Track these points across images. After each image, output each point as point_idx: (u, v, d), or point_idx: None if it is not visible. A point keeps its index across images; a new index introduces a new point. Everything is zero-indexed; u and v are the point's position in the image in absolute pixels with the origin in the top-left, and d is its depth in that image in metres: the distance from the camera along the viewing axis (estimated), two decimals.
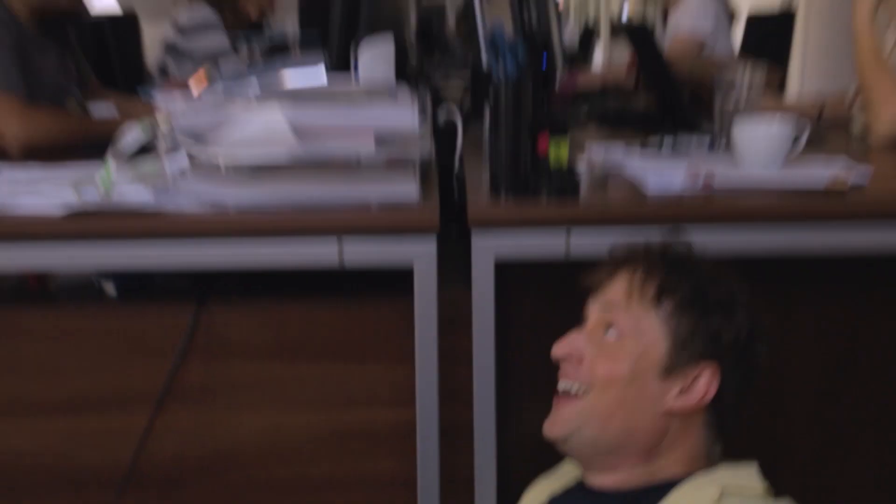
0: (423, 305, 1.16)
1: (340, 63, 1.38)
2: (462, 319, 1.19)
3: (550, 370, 1.12)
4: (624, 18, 6.98)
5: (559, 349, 0.97)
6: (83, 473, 1.25)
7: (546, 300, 1.28)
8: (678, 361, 0.92)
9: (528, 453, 1.24)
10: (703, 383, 0.92)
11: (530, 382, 1.27)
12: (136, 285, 1.34)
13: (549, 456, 1.23)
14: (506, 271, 1.19)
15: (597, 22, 6.93)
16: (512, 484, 1.25)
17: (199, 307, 1.21)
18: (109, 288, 1.33)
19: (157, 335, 1.23)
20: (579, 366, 0.95)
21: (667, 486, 0.92)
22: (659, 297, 0.93)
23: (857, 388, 1.33)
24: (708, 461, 0.95)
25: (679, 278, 0.95)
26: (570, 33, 3.99)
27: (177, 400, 1.24)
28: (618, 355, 0.94)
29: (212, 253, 1.15)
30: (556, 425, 0.97)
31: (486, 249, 1.15)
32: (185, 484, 1.27)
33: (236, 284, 1.35)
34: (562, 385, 0.96)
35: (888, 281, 1.30)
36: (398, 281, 1.17)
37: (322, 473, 1.26)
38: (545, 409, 1.13)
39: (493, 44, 1.16)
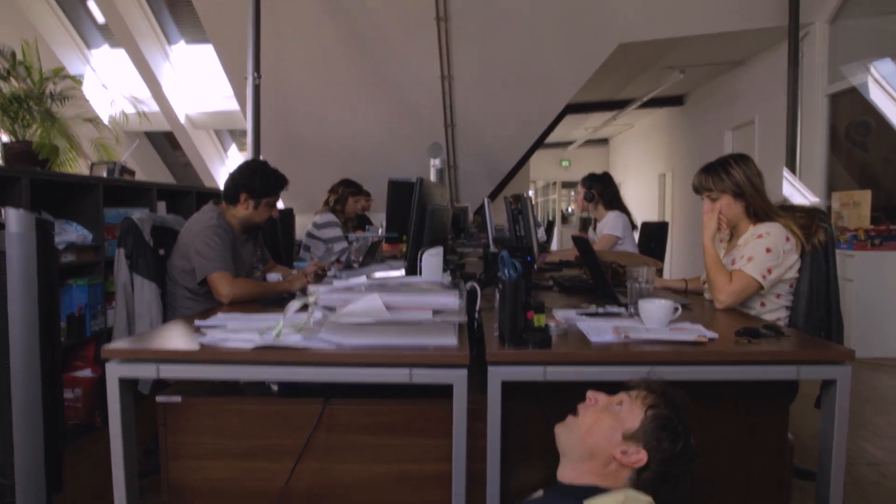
0: (458, 405, 2.03)
1: (412, 266, 2.32)
2: (481, 414, 2.07)
3: (537, 446, 2.00)
4: (569, 210, 15.30)
5: (590, 393, 1.82)
6: (256, 493, 2.16)
7: (531, 405, 2.19)
8: (634, 438, 1.73)
9: (522, 494, 2.15)
10: (636, 458, 1.72)
11: (523, 452, 2.17)
12: (291, 389, 2.26)
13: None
14: (508, 387, 2.07)
15: (554, 216, 13.31)
16: None
17: (326, 403, 2.14)
18: (274, 389, 2.25)
19: (300, 418, 2.14)
20: (591, 403, 1.80)
21: (594, 490, 1.73)
22: (650, 407, 1.76)
23: (716, 455, 2.25)
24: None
25: (665, 405, 1.75)
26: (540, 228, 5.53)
27: (309, 455, 2.15)
28: (613, 408, 1.78)
29: (335, 372, 2.04)
30: (560, 427, 1.81)
31: (497, 375, 2.04)
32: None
33: (349, 392, 2.24)
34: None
35: (732, 397, 2.22)
36: (444, 393, 2.06)
37: (396, 501, 2.17)
38: (532, 469, 2.02)
39: (502, 258, 2.10)
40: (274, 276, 3.30)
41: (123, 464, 2.05)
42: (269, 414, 2.16)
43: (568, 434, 1.84)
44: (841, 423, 2.09)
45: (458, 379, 2.02)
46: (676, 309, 2.28)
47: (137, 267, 3.17)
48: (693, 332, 2.19)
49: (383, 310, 2.04)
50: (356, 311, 2.05)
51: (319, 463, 2.17)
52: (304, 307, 2.13)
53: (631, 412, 1.78)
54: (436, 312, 2.07)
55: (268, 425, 2.16)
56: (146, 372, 2.04)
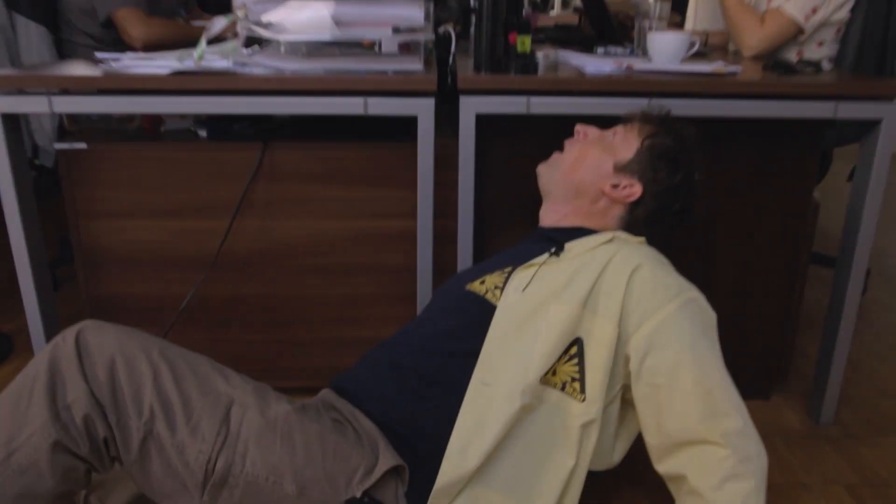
0: (423, 147, 1.71)
1: None
2: (451, 160, 1.76)
3: (515, 196, 1.70)
4: None
5: (580, 126, 1.56)
6: (186, 258, 1.87)
7: (512, 145, 1.86)
8: (628, 169, 1.48)
9: (498, 250, 1.85)
10: (629, 191, 1.47)
11: (499, 203, 1.88)
12: (221, 131, 1.90)
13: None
14: (483, 125, 1.75)
15: None
16: None
17: (265, 147, 1.80)
18: (202, 133, 1.90)
19: (234, 166, 1.82)
20: (580, 138, 1.54)
21: (580, 231, 1.48)
22: (648, 136, 1.49)
23: (726, 208, 1.95)
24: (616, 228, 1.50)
25: (665, 134, 1.49)
26: None
27: (248, 210, 1.85)
28: (605, 136, 1.52)
29: (273, 103, 1.67)
30: (543, 166, 1.56)
31: (470, 105, 1.69)
32: (253, 266, 1.89)
33: (292, 131, 1.91)
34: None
35: (753, 143, 1.90)
36: (407, 134, 1.74)
37: (349, 262, 1.89)
38: (509, 224, 1.72)
39: None
40: (199, 24, 2.69)
41: (24, 236, 1.72)
42: (197, 162, 1.83)
43: (552, 171, 1.56)
44: (878, 177, 1.79)
45: (423, 109, 1.68)
46: (693, 44, 1.90)
47: (17, 3, 2.51)
48: (711, 65, 1.83)
49: (331, 25, 1.66)
50: (297, 27, 1.67)
51: (260, 220, 1.87)
52: (234, 29, 1.74)
53: (626, 142, 1.51)
54: (396, 31, 1.69)
55: (196, 176, 1.83)
56: (35, 106, 1.66)
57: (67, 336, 1.22)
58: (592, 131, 1.56)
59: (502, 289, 1.39)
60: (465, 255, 1.81)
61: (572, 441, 1.31)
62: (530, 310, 1.34)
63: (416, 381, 1.35)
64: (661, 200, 1.49)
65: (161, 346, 1.26)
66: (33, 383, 1.18)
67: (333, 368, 1.94)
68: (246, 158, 1.82)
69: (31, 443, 1.15)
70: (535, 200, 1.62)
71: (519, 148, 1.86)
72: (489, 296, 1.40)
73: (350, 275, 1.91)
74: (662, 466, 1.34)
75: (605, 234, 1.45)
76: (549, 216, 1.56)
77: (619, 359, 1.34)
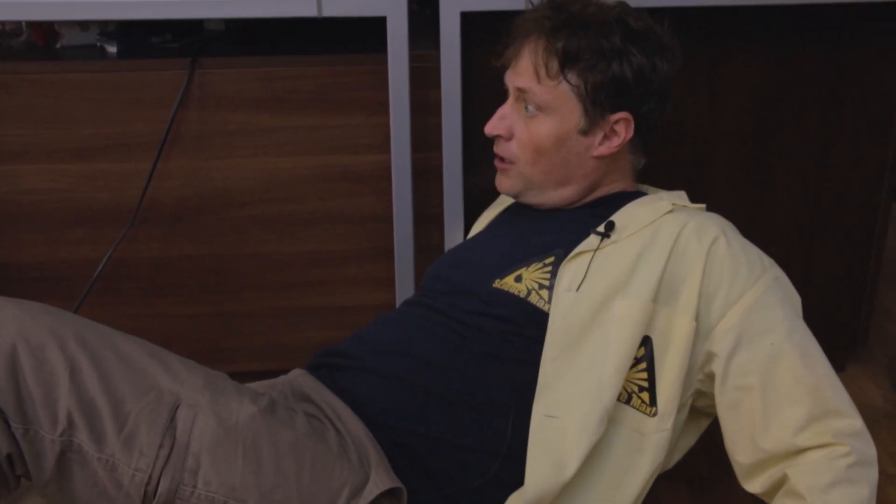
0: (395, 58, 1.56)
1: None
2: (432, 75, 1.61)
3: None
4: None
5: (489, 128, 1.37)
6: (98, 211, 1.71)
7: None
8: (594, 118, 1.30)
9: (493, 187, 1.70)
10: (622, 129, 1.31)
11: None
12: (135, 46, 1.73)
13: None
14: (471, 27, 1.58)
15: None
16: (476, 218, 1.71)
17: (194, 64, 1.62)
18: (111, 49, 1.72)
19: (155, 89, 1.64)
20: (508, 144, 1.36)
21: (616, 198, 1.36)
22: (563, 68, 1.28)
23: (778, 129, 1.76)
24: (636, 177, 1.40)
25: (576, 42, 1.27)
26: None
27: (176, 147, 1.68)
28: (539, 129, 1.32)
29: (201, 4, 1.53)
30: (505, 186, 1.41)
31: (452, 5, 1.54)
32: (187, 219, 1.73)
33: (227, 45, 1.74)
34: (499, 154, 1.38)
35: (818, 34, 1.69)
36: (373, 42, 1.58)
37: (308, 210, 1.74)
38: None
39: None
40: None
41: None
42: (106, 87, 1.65)
43: (519, 193, 1.42)
44: None
45: (393, 8, 1.53)
46: None
47: None
48: None
49: None
50: None
51: (192, 160, 1.70)
52: None
53: (552, 101, 1.32)
54: None
55: (106, 105, 1.66)
56: None
57: None
58: (511, 124, 1.36)
59: (550, 288, 1.27)
60: (453, 196, 1.68)
61: (643, 469, 1.24)
62: (590, 312, 1.24)
63: (443, 393, 1.25)
64: (651, 90, 1.32)
65: (78, 328, 1.12)
66: None
67: (293, 347, 1.81)
68: (169, 80, 1.64)
69: None
70: None
71: None
72: (534, 298, 1.28)
73: (310, 226, 1.76)
74: (756, 485, 1.26)
75: (658, 199, 1.35)
76: (563, 200, 1.40)
77: (697, 359, 1.26)
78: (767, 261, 1.29)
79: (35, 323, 1.09)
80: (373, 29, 1.59)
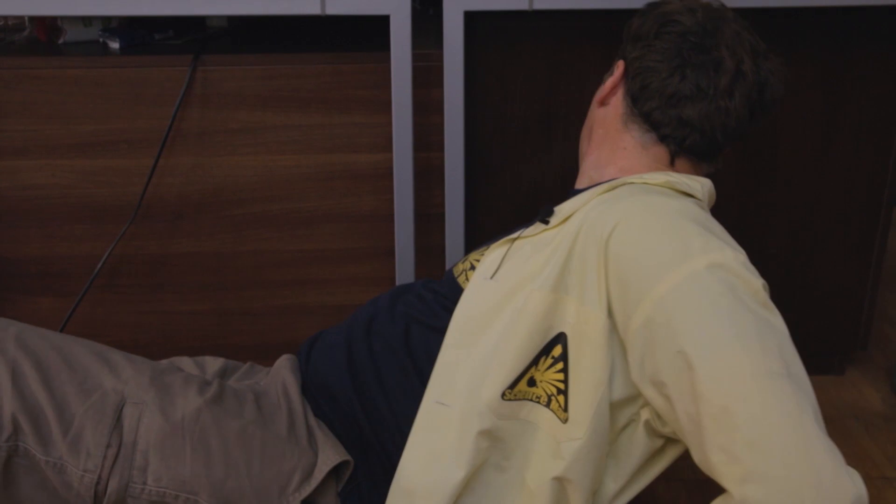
0: (398, 57, 1.56)
1: None
2: (435, 74, 1.61)
3: (515, 120, 1.54)
4: None
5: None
6: (99, 207, 1.70)
7: (509, 54, 1.68)
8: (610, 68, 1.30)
9: (493, 191, 1.70)
10: (615, 74, 1.26)
11: (495, 129, 1.71)
12: (138, 42, 1.74)
13: (514, 188, 1.70)
14: (474, 29, 1.59)
15: None
16: (477, 218, 1.72)
17: (196, 61, 1.62)
18: (114, 45, 1.72)
19: (158, 86, 1.64)
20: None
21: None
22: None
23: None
24: (652, 163, 1.25)
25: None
26: None
27: (178, 144, 1.68)
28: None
29: (204, 2, 1.53)
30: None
31: (456, 4, 1.54)
32: (188, 217, 1.73)
33: (230, 42, 1.73)
34: None
35: (822, 36, 1.69)
36: (378, 42, 1.58)
37: (310, 208, 1.73)
38: (509, 152, 1.56)
39: None
40: None
41: None
42: (108, 83, 1.64)
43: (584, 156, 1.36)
44: None
45: (396, 6, 1.52)
46: None
47: None
48: None
49: None
50: None
51: (194, 157, 1.70)
52: None
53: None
54: None
55: (108, 101, 1.65)
56: None
57: None
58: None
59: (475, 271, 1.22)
60: (454, 196, 1.67)
61: (542, 491, 1.09)
62: (498, 302, 1.14)
63: (385, 360, 1.21)
64: (648, 49, 1.24)
65: (17, 332, 1.12)
66: None
67: (293, 345, 1.77)
68: (172, 77, 1.64)
69: None
70: (538, 124, 1.50)
71: (519, 58, 1.68)
72: (461, 279, 1.24)
73: (311, 225, 1.76)
74: None
75: (612, 182, 1.20)
76: (583, 173, 1.34)
77: (623, 362, 1.09)
78: (700, 245, 1.02)
79: None
80: (376, 27, 1.59)
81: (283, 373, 1.27)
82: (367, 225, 1.75)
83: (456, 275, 1.26)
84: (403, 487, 1.09)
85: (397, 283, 1.72)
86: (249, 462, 1.10)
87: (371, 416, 1.18)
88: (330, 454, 1.12)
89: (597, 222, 1.09)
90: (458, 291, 1.20)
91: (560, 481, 1.07)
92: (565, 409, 1.08)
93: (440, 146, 1.65)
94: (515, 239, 1.19)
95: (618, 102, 1.27)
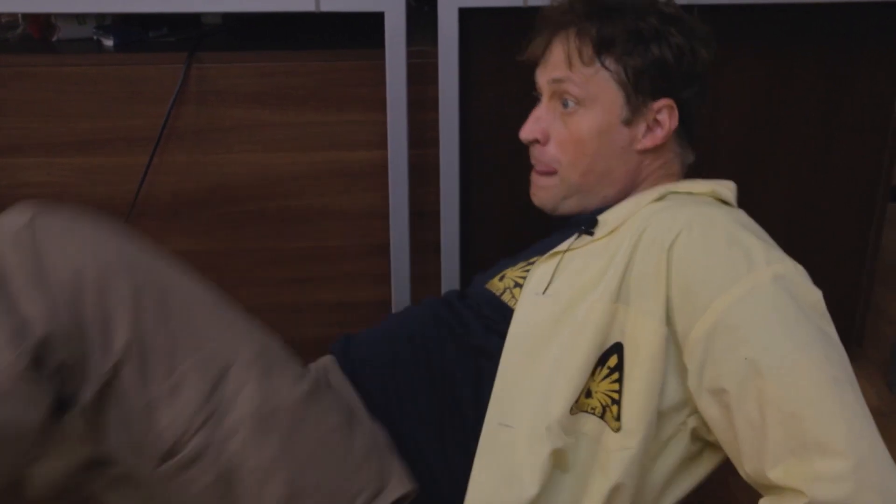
0: (393, 53, 1.56)
1: None
2: (430, 72, 1.61)
3: (512, 110, 1.54)
4: None
5: (524, 134, 1.27)
6: (94, 204, 1.69)
7: (505, 52, 1.66)
8: (636, 106, 1.21)
9: (489, 183, 1.71)
10: (665, 118, 1.21)
11: (492, 123, 1.71)
12: (133, 39, 1.74)
13: (509, 185, 1.70)
14: (470, 23, 1.59)
15: None
16: (473, 215, 1.72)
17: (191, 59, 1.62)
18: (108, 42, 1.72)
19: (152, 84, 1.64)
20: (545, 148, 1.25)
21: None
22: (599, 54, 1.20)
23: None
24: (684, 174, 1.29)
25: (611, 26, 1.19)
26: None
27: (173, 141, 1.67)
28: (580, 124, 1.22)
29: None
30: (541, 198, 1.30)
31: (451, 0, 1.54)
32: (183, 214, 1.72)
33: (225, 39, 1.73)
34: (536, 162, 1.28)
35: (817, 33, 1.69)
36: (371, 37, 1.58)
37: (305, 206, 1.73)
38: (505, 149, 1.56)
39: None
40: None
41: None
42: (102, 80, 1.64)
43: (557, 206, 1.30)
44: None
45: (391, 3, 1.53)
46: None
47: None
48: None
49: None
50: None
51: (189, 155, 1.69)
52: None
53: (590, 92, 1.23)
54: None
55: (103, 99, 1.65)
56: None
57: (14, 223, 1.00)
58: (547, 126, 1.27)
59: (523, 287, 1.20)
60: (449, 193, 1.67)
61: (599, 488, 1.09)
62: (554, 317, 1.13)
63: (431, 378, 1.19)
64: (694, 75, 1.24)
65: (149, 263, 1.07)
66: None
67: (290, 342, 1.73)
68: (166, 75, 1.64)
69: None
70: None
71: (513, 53, 1.65)
72: (506, 297, 1.22)
73: (306, 222, 1.75)
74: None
75: (655, 189, 1.22)
76: (602, 203, 1.28)
77: (677, 371, 1.10)
78: (763, 256, 1.06)
79: (107, 247, 1.04)
80: (371, 24, 1.59)
81: (335, 376, 1.24)
82: (363, 222, 1.75)
83: (497, 293, 1.23)
84: None
85: (392, 280, 1.73)
86: (327, 465, 1.08)
87: (414, 432, 1.17)
88: (397, 483, 1.10)
89: (658, 231, 1.10)
90: (504, 311, 1.18)
91: (615, 490, 1.08)
92: (617, 419, 1.09)
93: (436, 143, 1.65)
94: (565, 252, 1.18)
95: (671, 141, 1.26)
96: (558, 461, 1.09)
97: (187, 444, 1.02)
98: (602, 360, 1.10)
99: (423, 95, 1.63)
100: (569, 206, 1.28)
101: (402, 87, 1.59)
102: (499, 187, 1.71)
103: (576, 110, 1.22)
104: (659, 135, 1.23)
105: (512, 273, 1.24)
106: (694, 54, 1.22)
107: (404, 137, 1.62)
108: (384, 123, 1.62)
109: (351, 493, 1.08)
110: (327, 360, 1.29)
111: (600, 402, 1.10)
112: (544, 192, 1.29)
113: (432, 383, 1.17)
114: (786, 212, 1.81)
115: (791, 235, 1.81)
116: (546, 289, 1.15)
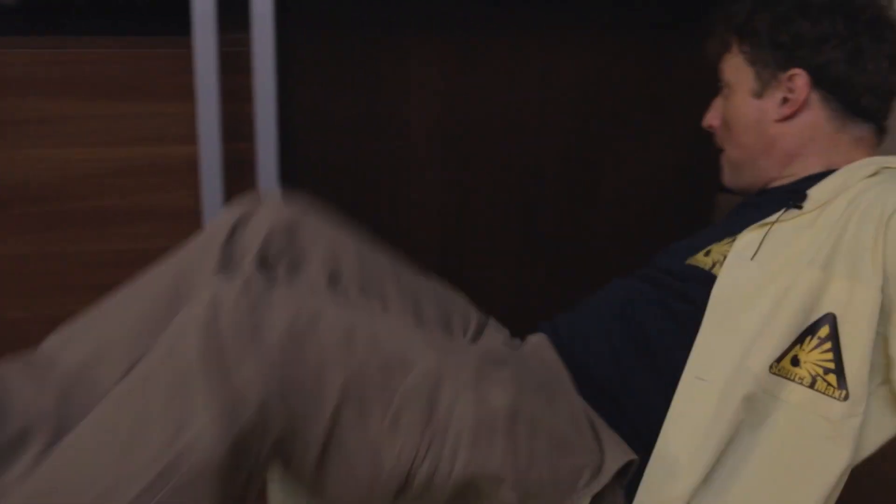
0: (202, 38, 1.49)
1: None
2: (245, 60, 1.53)
3: (335, 105, 1.48)
4: None
5: (704, 122, 1.43)
6: None
7: (327, 37, 1.63)
8: (764, 79, 1.31)
9: (312, 181, 1.64)
10: (799, 85, 1.28)
11: (315, 116, 1.66)
12: None
13: (334, 182, 1.65)
14: (287, 10, 1.53)
15: None
16: None
17: None
18: None
19: None
20: (717, 131, 1.41)
21: (829, 173, 1.28)
22: (739, 41, 1.34)
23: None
24: (869, 149, 1.32)
25: (748, 15, 1.33)
26: None
27: None
28: (728, 105, 1.37)
29: None
30: (724, 179, 1.44)
31: None
32: None
33: (15, 23, 1.64)
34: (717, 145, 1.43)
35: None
36: (179, 23, 1.51)
37: (112, 205, 1.63)
38: (329, 141, 1.50)
39: None
40: None
41: None
42: None
43: (735, 181, 1.44)
44: None
45: None
46: None
47: None
48: None
49: None
50: None
51: None
52: None
53: (735, 76, 1.37)
54: None
55: None
56: None
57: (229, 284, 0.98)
58: (714, 116, 1.43)
59: None
60: (268, 181, 1.61)
61: (836, 461, 1.12)
62: (761, 281, 1.18)
63: (629, 345, 1.26)
64: (825, 42, 1.30)
65: (353, 272, 1.23)
66: (186, 356, 0.92)
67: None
68: None
69: (199, 445, 0.89)
70: (360, 113, 1.43)
71: (338, 42, 1.65)
72: (717, 270, 1.25)
73: (113, 224, 1.65)
74: None
75: (864, 164, 1.24)
76: (765, 176, 1.38)
77: (881, 338, 1.14)
78: None
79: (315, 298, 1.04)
80: (176, 5, 1.52)
81: (548, 354, 1.29)
82: (174, 223, 1.66)
83: (705, 267, 1.27)
84: (664, 456, 1.13)
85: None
86: (550, 452, 1.09)
87: (633, 403, 1.22)
88: (617, 452, 1.13)
89: (874, 203, 1.14)
90: (711, 279, 1.22)
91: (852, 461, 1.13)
92: (839, 388, 1.13)
93: (252, 136, 1.57)
94: (773, 223, 1.23)
95: (816, 111, 1.31)
96: (748, 417, 1.13)
97: (417, 472, 1.02)
98: (812, 330, 1.14)
99: (239, 85, 1.56)
100: (740, 181, 1.41)
101: (213, 76, 1.51)
102: (322, 185, 1.65)
103: (727, 95, 1.38)
104: (796, 102, 1.30)
105: (719, 248, 1.28)
106: (822, 13, 1.29)
107: (216, 131, 1.54)
108: (195, 116, 1.55)
109: (574, 471, 1.10)
110: (539, 339, 1.34)
111: (809, 372, 1.14)
112: (723, 173, 1.44)
113: (638, 354, 1.24)
114: (611, 217, 1.84)
115: (612, 240, 1.85)
116: (755, 254, 1.20)
